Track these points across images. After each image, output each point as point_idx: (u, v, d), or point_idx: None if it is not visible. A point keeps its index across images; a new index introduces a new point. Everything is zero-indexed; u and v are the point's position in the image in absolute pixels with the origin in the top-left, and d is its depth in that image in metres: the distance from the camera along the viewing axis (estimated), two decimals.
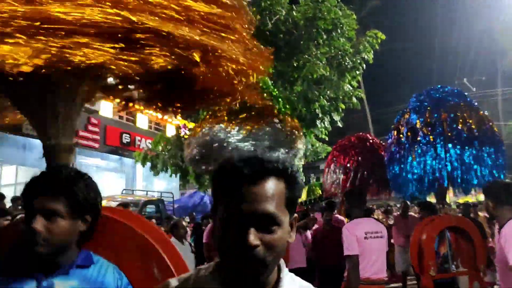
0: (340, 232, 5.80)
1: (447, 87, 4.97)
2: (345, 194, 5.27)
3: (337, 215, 7.42)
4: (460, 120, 4.42)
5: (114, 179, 17.60)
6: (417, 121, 4.58)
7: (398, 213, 8.64)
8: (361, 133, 6.51)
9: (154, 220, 6.80)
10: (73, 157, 1.74)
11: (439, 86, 5.01)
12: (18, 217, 4.33)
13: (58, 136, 1.65)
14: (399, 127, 4.83)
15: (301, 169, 14.69)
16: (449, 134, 4.36)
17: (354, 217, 4.08)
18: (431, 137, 4.41)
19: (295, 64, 10.81)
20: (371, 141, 6.08)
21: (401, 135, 4.74)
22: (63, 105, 1.61)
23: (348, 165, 5.78)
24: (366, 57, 12.15)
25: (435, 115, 4.52)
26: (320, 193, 12.73)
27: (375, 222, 4.12)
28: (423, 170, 4.38)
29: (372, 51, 12.34)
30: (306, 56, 10.79)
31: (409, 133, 4.62)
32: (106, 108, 15.91)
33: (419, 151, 4.42)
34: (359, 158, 5.72)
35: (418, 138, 4.47)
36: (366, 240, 3.80)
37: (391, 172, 4.79)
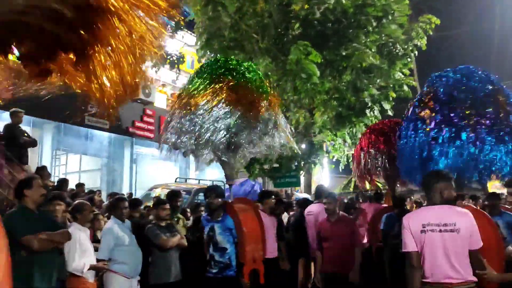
0: (348, 225, 5.08)
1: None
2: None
3: (384, 205, 7.36)
4: None
5: (168, 168, 18.33)
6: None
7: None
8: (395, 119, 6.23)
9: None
10: None
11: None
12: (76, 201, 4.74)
13: None
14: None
15: (351, 160, 14.55)
16: None
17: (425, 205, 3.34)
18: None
19: (344, 53, 10.69)
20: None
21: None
22: None
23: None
24: (419, 43, 11.79)
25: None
26: None
27: (450, 211, 3.09)
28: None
29: (425, 37, 11.94)
30: (355, 45, 10.63)
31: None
32: (160, 99, 16.55)
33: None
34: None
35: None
36: (423, 235, 3.02)
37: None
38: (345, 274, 4.84)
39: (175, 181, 12.45)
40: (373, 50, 10.58)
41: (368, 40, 10.81)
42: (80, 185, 9.06)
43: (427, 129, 4.37)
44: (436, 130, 4.29)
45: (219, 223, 4.24)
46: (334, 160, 13.25)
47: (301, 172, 12.89)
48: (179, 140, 4.64)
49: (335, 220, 5.01)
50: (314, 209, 6.23)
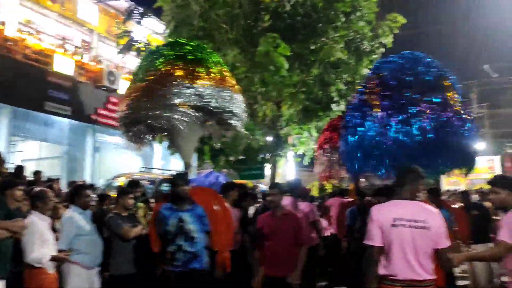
0: (293, 221, 4.46)
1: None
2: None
3: (349, 199, 7.49)
4: None
5: (132, 157, 17.96)
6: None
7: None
8: None
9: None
10: None
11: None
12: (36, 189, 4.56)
13: None
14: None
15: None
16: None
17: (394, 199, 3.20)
18: None
19: (312, 47, 10.76)
20: None
21: None
22: None
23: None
24: (385, 41, 12.02)
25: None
26: None
27: (420, 208, 3.05)
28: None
29: (391, 35, 12.19)
30: (324, 39, 10.72)
31: None
32: (125, 87, 16.16)
33: None
34: None
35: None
36: (393, 229, 2.93)
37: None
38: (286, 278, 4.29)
39: (139, 171, 12.22)
40: (341, 45, 10.69)
41: (337, 35, 10.91)
42: (37, 173, 8.73)
43: (375, 110, 4.29)
44: (386, 116, 4.23)
45: (189, 212, 4.01)
46: (299, 153, 13.37)
47: (267, 164, 12.95)
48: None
49: (281, 214, 4.41)
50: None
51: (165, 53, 4.72)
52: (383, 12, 12.71)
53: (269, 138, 12.11)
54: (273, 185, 4.72)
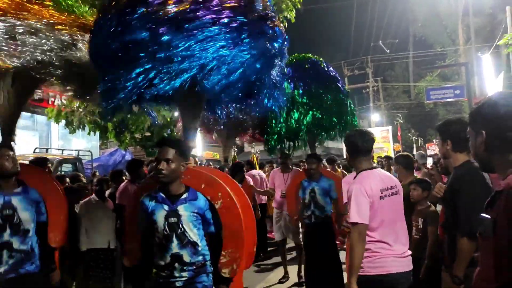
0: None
1: None
2: None
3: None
4: None
5: (26, 138, 16.50)
6: None
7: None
8: None
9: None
10: None
11: None
12: None
13: None
14: None
15: None
16: None
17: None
18: None
19: None
20: None
21: None
22: None
23: None
24: (288, 16, 12.26)
25: None
26: None
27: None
28: None
29: (294, 10, 12.46)
30: None
31: None
32: None
33: None
34: None
35: None
36: None
37: None
38: None
39: (34, 152, 11.30)
40: None
41: None
42: None
43: None
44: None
45: (19, 196, 2.98)
46: None
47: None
48: None
49: None
50: None
51: None
52: None
53: (176, 114, 11.88)
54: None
